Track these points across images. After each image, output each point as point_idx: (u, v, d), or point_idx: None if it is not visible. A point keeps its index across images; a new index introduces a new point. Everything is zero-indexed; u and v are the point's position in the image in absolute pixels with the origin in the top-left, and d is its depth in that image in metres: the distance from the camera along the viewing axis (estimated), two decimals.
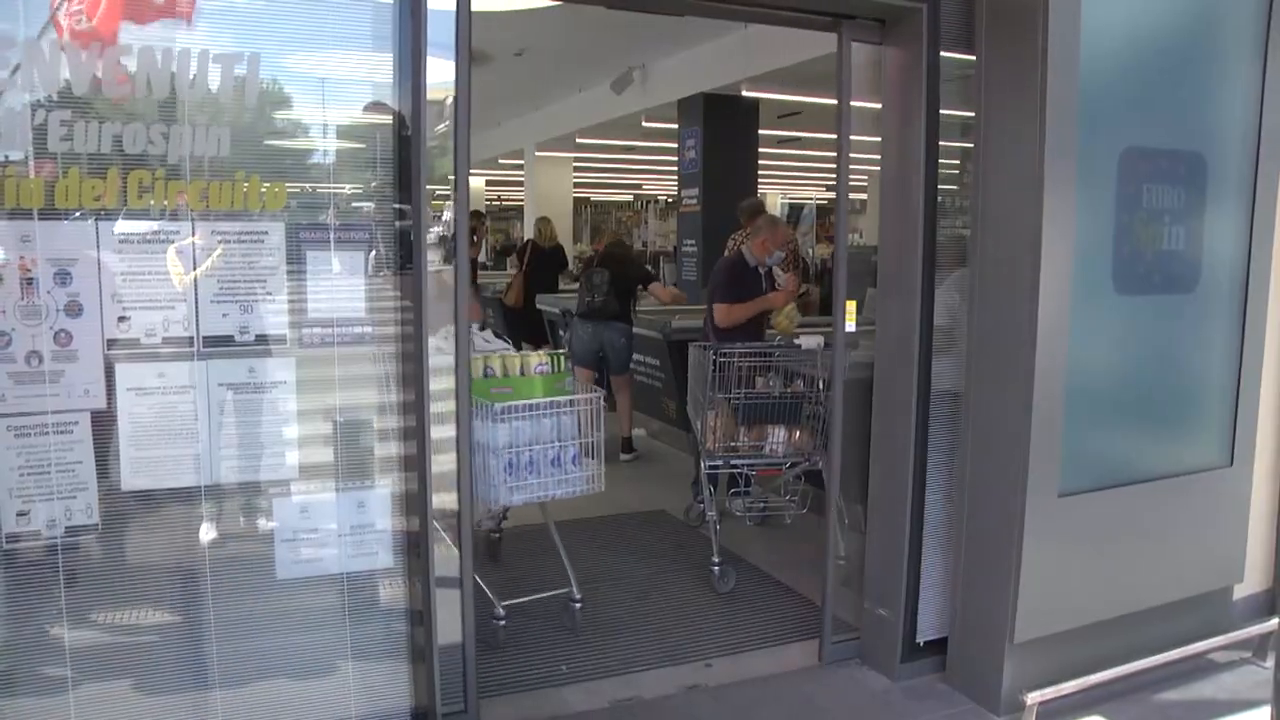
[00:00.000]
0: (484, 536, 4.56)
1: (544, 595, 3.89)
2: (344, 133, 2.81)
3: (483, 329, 3.93)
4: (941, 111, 3.32)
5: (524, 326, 9.71)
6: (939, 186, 3.36)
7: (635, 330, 6.45)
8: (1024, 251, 3.14)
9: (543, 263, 9.56)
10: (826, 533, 3.67)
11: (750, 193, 8.54)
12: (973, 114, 3.30)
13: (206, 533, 2.73)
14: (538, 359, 3.59)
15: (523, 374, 3.59)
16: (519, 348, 12.15)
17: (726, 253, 6.63)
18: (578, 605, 3.82)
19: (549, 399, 3.53)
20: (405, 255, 2.82)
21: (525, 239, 9.88)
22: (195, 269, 2.64)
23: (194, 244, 2.64)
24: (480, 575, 3.44)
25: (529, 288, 9.47)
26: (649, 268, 9.28)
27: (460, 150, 2.84)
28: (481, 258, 10.71)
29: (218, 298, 2.67)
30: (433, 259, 2.82)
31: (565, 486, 3.58)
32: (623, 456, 6.38)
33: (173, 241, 2.62)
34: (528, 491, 3.52)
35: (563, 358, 3.61)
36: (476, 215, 10.90)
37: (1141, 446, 3.45)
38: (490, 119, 14.02)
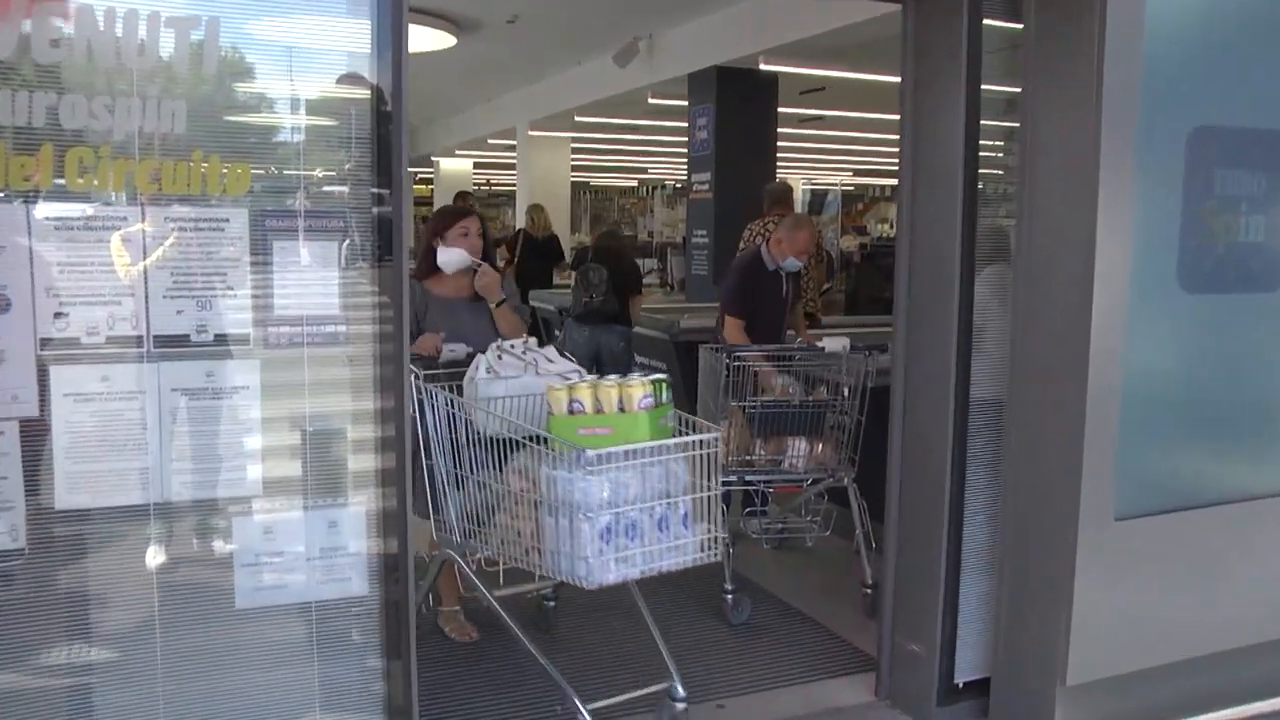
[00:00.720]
0: (535, 603, 4.09)
1: (637, 694, 3.29)
2: (315, 107, 2.79)
3: (541, 343, 3.47)
4: (983, 87, 3.30)
5: None
6: (979, 171, 3.33)
7: (637, 330, 6.42)
8: (1076, 243, 3.11)
9: (535, 255, 9.55)
10: (884, 548, 3.61)
11: (768, 178, 8.50)
12: (1018, 89, 3.26)
13: (154, 557, 2.70)
14: (641, 389, 2.98)
15: (623, 409, 2.97)
16: None
17: (742, 245, 6.60)
18: (681, 707, 3.28)
19: (658, 442, 2.94)
20: (384, 245, 2.81)
21: (516, 228, 9.87)
22: (145, 259, 2.62)
23: (144, 231, 2.61)
24: (538, 651, 3.21)
25: (520, 282, 9.45)
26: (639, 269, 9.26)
27: (396, 123, 2.79)
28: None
29: (171, 292, 2.65)
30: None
31: (676, 556, 2.96)
32: None
33: (118, 228, 2.59)
34: (631, 564, 2.92)
35: (665, 384, 3.03)
36: (463, 197, 11.03)
37: (1214, 465, 3.41)
38: (478, 94, 14.00)
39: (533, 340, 3.47)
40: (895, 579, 3.58)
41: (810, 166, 19.97)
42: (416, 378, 3.09)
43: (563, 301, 7.23)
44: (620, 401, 2.97)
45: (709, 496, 2.95)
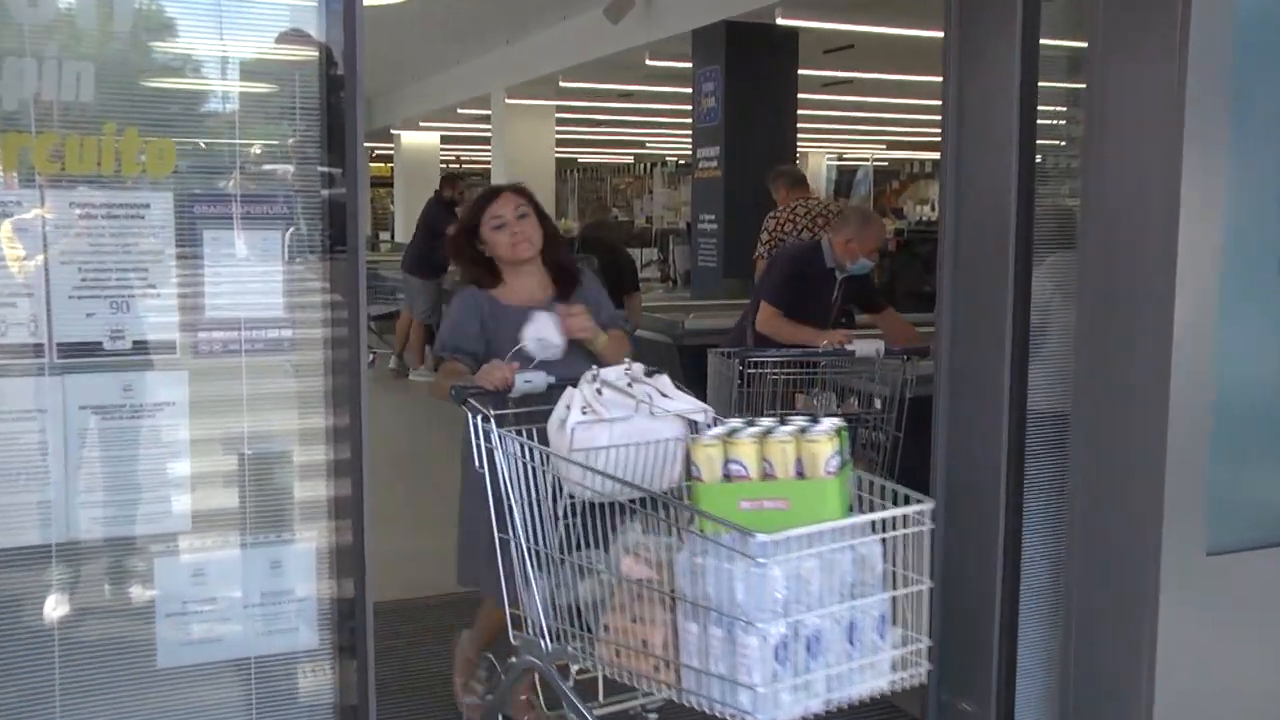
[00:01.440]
0: None
1: None
2: (252, 71, 2.79)
3: (649, 373, 3.03)
4: (1041, 41, 3.29)
5: None
6: (1037, 141, 3.32)
7: (637, 333, 6.40)
8: (1155, 226, 3.08)
9: None
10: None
11: (787, 153, 8.50)
12: (1083, 43, 3.23)
13: (56, 608, 2.67)
14: (828, 445, 2.50)
15: (803, 474, 2.50)
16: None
17: (766, 238, 6.61)
18: None
19: (853, 519, 2.50)
20: (336, 234, 2.81)
21: None
22: (45, 253, 2.60)
23: (43, 219, 2.59)
24: None
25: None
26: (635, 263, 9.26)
27: (350, 90, 2.78)
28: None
29: (80, 292, 2.63)
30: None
31: (872, 678, 2.49)
32: None
33: (10, 215, 2.56)
34: (813, 692, 2.40)
35: (843, 433, 2.59)
36: (447, 178, 11.05)
37: None
38: (446, 55, 13.99)
39: (638, 366, 2.99)
40: (941, 625, 3.56)
41: (836, 139, 20.00)
42: (485, 420, 2.79)
43: None
44: (799, 463, 2.50)
45: (919, 592, 2.49)
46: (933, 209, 16.42)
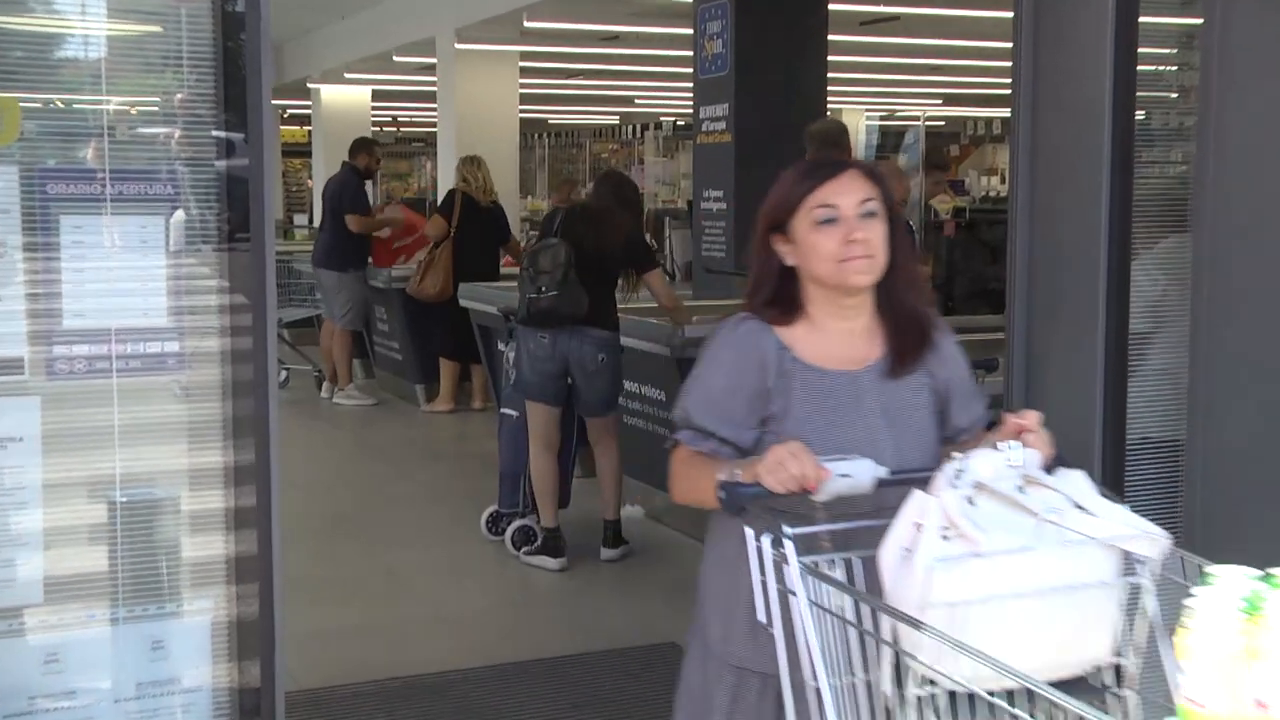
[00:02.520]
0: None
1: None
2: (124, 7, 2.81)
3: (1053, 467, 2.34)
4: None
5: (444, 334, 9.69)
6: (1137, 94, 3.32)
7: (624, 341, 6.40)
8: None
9: (479, 228, 9.58)
10: None
11: (815, 110, 8.49)
12: None
13: None
14: None
15: None
16: (434, 369, 12.02)
17: None
18: None
19: None
20: (237, 218, 2.82)
21: (451, 190, 9.91)
22: None
23: None
24: None
25: (459, 268, 9.51)
26: (648, 239, 9.25)
27: (253, 32, 2.77)
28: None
29: None
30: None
31: None
32: (605, 553, 6.43)
33: None
34: None
35: None
36: (361, 143, 11.03)
37: None
38: None
39: (1031, 453, 2.28)
40: None
41: (878, 94, 20.05)
42: (776, 544, 2.25)
43: (509, 300, 7.20)
44: None
45: None
46: (1003, 181, 16.45)
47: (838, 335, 2.68)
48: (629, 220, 6.51)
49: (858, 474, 2.41)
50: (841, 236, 2.58)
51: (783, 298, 2.68)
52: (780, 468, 2.34)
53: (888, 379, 2.67)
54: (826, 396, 2.62)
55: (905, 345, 2.69)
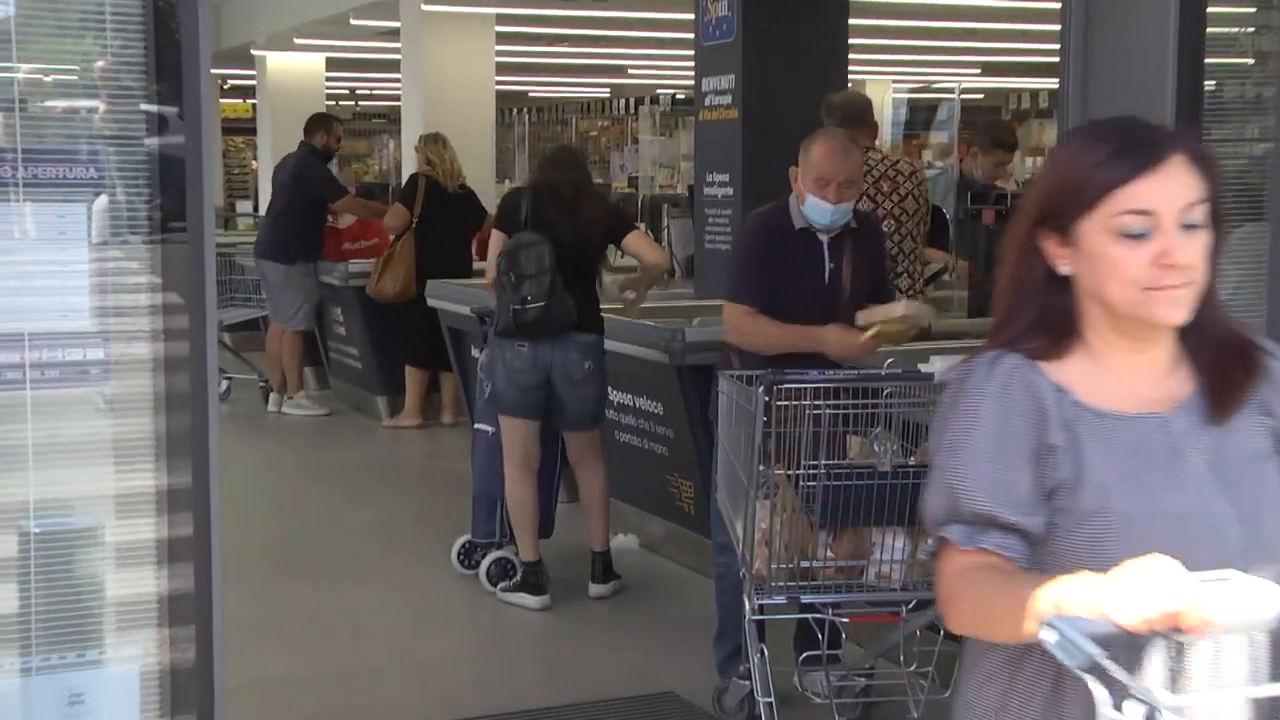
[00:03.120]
0: None
1: None
2: None
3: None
4: None
5: (409, 338, 9.67)
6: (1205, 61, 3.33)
7: (612, 349, 6.40)
8: None
9: (446, 218, 9.56)
10: None
11: (836, 80, 8.49)
12: None
13: None
14: None
15: None
16: (398, 379, 11.99)
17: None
18: None
19: None
20: (171, 205, 2.81)
21: (413, 174, 9.90)
22: None
23: None
24: None
25: (423, 263, 9.51)
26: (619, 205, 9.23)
27: None
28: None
29: None
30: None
31: None
32: (594, 589, 6.41)
33: None
34: None
35: None
36: (321, 119, 11.02)
37: None
38: None
39: None
40: None
41: (907, 62, 20.07)
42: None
43: (483, 299, 7.18)
44: None
45: None
46: None
47: (1129, 369, 2.26)
48: (599, 196, 6.52)
49: (1256, 597, 1.93)
50: (1154, 257, 2.13)
51: (1050, 320, 2.25)
52: (1142, 595, 1.88)
53: (1209, 424, 2.24)
54: (1132, 454, 2.20)
55: (1227, 375, 2.27)
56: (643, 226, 10.20)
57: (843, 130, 5.51)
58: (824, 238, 4.92)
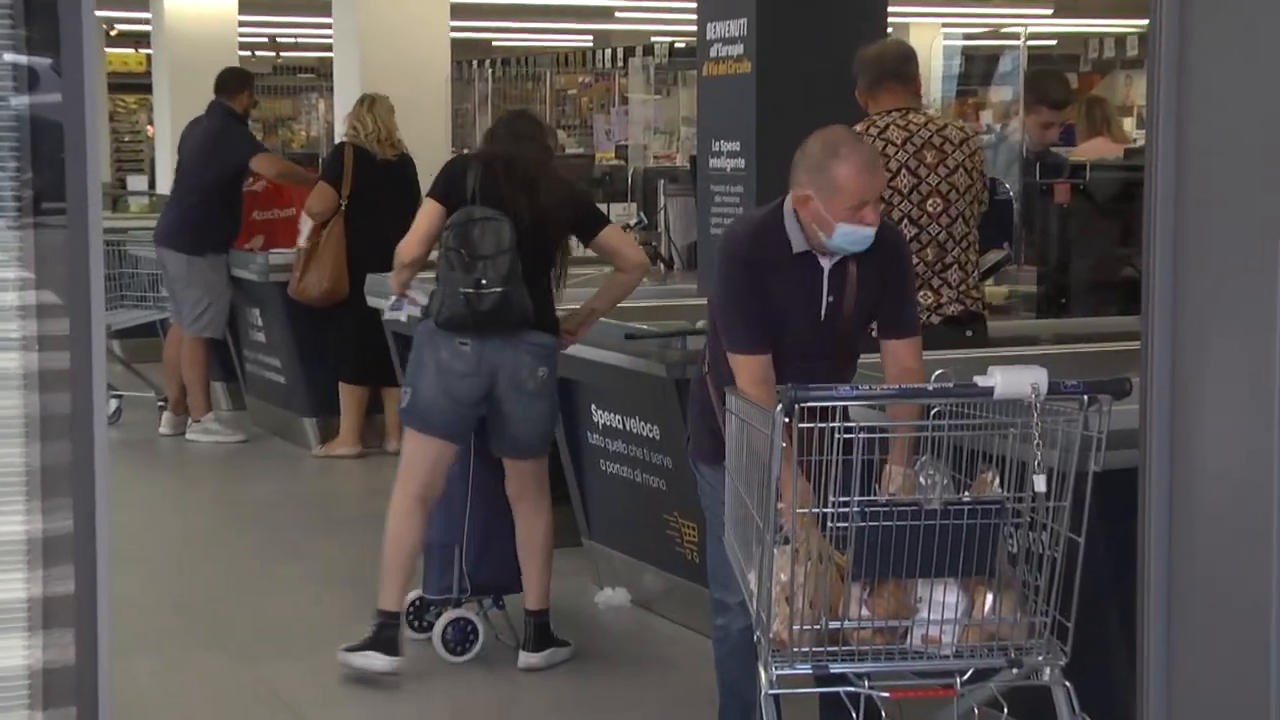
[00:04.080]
0: None
1: None
2: None
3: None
4: None
5: (344, 347, 9.70)
6: None
7: (599, 356, 6.42)
8: None
9: (381, 194, 9.58)
10: None
11: (873, 26, 8.53)
12: None
13: None
14: None
15: None
16: (331, 397, 12.07)
17: None
18: None
19: None
20: (44, 181, 2.85)
21: (338, 145, 9.93)
22: None
23: None
24: None
25: (357, 254, 9.49)
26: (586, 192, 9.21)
27: None
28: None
29: None
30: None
31: None
32: (524, 659, 6.41)
33: None
34: None
35: None
36: (240, 76, 11.05)
37: None
38: None
39: None
40: None
41: (958, 3, 20.13)
42: None
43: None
44: None
45: None
46: (1141, 125, 16.50)
47: None
48: (563, 180, 6.53)
49: None
50: None
51: None
52: None
53: None
54: None
55: None
56: (633, 207, 10.19)
57: (845, 128, 5.40)
58: (826, 264, 4.91)
